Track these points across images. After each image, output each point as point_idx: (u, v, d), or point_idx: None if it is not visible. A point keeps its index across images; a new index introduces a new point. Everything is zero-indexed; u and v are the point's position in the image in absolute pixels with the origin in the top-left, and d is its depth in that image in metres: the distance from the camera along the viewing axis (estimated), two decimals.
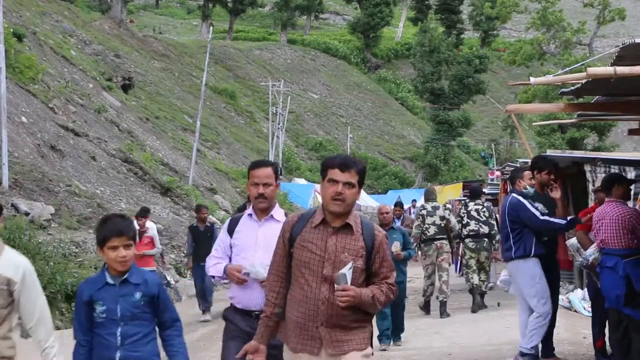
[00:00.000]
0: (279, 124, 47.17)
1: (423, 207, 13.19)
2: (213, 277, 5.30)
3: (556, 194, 7.80)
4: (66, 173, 21.77)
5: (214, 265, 5.21)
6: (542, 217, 7.53)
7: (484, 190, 24.07)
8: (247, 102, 59.55)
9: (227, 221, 5.37)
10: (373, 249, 4.03)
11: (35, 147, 21.85)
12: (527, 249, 7.55)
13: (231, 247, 5.18)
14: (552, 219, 7.56)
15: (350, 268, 3.88)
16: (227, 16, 74.45)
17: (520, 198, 7.59)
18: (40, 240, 14.10)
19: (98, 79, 37.32)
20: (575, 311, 11.25)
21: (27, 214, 16.40)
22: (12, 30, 27.15)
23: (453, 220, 13.22)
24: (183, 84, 52.82)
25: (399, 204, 15.30)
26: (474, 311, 13.02)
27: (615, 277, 6.91)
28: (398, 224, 13.36)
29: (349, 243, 3.99)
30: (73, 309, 7.33)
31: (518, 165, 13.97)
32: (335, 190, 3.95)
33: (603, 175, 10.45)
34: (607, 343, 7.73)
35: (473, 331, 10.69)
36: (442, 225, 12.85)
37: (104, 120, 31.54)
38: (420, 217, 13.04)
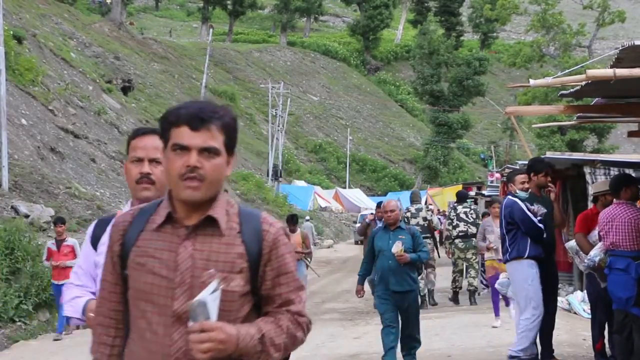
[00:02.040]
0: (278, 126, 47.23)
1: (408, 210, 13.95)
2: (68, 318, 3.37)
3: (551, 196, 7.83)
4: (66, 175, 21.79)
5: (71, 300, 3.28)
6: (539, 225, 7.53)
7: (483, 192, 24.33)
8: (246, 104, 59.59)
9: (92, 226, 3.44)
10: (261, 258, 2.40)
11: (35, 149, 21.86)
12: (520, 250, 7.58)
13: (97, 267, 3.22)
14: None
15: (216, 291, 2.27)
16: (227, 18, 74.54)
17: (516, 200, 7.59)
18: (40, 242, 14.12)
19: (98, 81, 37.35)
20: (575, 313, 11.27)
21: (27, 216, 16.42)
22: (12, 32, 27.17)
23: (435, 220, 14.41)
24: (183, 86, 52.85)
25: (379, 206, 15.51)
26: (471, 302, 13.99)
27: (626, 278, 6.91)
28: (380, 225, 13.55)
29: (216, 250, 2.36)
30: None
31: (517, 167, 14.07)
32: (185, 163, 2.32)
33: (602, 177, 10.44)
34: (607, 345, 7.74)
35: (473, 333, 10.69)
36: (425, 225, 13.80)
37: (103, 123, 31.58)
38: (405, 218, 13.61)
